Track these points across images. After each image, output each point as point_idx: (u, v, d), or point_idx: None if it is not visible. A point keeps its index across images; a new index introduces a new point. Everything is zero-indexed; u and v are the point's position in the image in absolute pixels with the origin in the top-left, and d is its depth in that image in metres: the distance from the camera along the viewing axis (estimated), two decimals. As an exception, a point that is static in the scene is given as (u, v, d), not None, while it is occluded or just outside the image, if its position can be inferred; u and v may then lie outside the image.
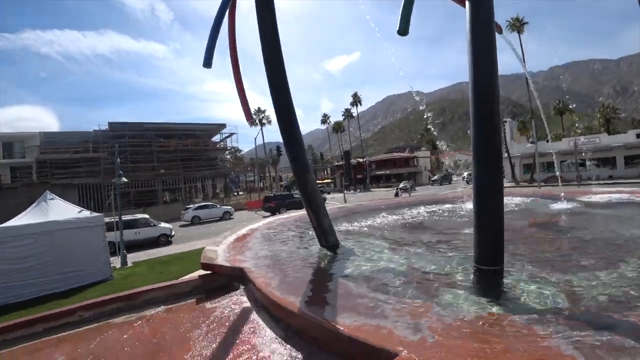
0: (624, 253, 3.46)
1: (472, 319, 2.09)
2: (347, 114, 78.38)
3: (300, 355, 2.04)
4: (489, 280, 2.79)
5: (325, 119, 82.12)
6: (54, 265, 10.69)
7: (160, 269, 12.14)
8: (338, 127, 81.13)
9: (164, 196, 43.41)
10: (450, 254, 3.88)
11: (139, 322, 3.03)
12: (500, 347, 1.71)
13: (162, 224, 21.11)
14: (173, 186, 41.17)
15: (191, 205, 31.73)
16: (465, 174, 58.32)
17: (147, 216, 21.04)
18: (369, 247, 4.48)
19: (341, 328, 1.92)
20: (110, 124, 38.66)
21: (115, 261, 13.98)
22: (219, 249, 4.29)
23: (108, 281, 11.43)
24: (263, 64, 3.86)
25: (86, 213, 12.34)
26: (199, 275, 3.66)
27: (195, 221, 28.57)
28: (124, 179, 15.36)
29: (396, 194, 33.07)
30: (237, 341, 2.36)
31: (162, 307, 3.28)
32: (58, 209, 12.02)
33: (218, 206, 31.94)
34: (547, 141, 39.57)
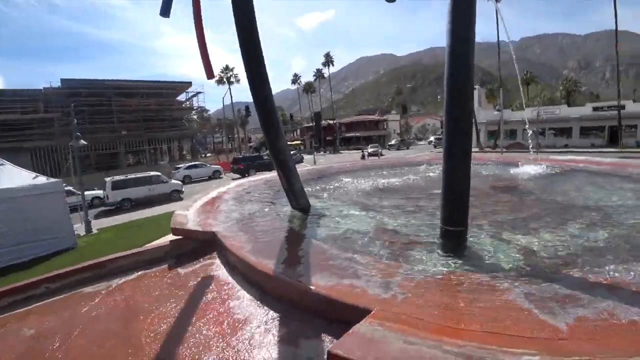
0: (577, 217, 3.73)
1: (439, 277, 2.21)
2: (319, 74, 76.64)
3: (276, 316, 2.09)
4: (454, 241, 2.94)
5: (296, 79, 79.98)
6: (11, 235, 10.13)
7: (128, 234, 11.86)
8: (309, 88, 79.36)
9: (127, 159, 41.61)
10: (417, 216, 4.03)
11: (109, 291, 2.96)
12: (465, 301, 1.84)
13: (173, 181, 22.04)
14: (136, 148, 39.34)
15: (181, 165, 32.39)
16: (432, 138, 59.86)
17: (159, 173, 21.74)
18: (339, 209, 4.57)
19: (316, 288, 1.98)
20: (63, 80, 35.59)
21: (80, 228, 13.47)
22: (189, 212, 4.21)
23: (72, 249, 11.06)
24: (232, 14, 3.61)
25: (42, 179, 11.61)
26: (170, 241, 3.59)
27: (187, 180, 28.69)
28: (83, 142, 14.47)
29: (362, 157, 33.60)
30: (213, 305, 2.38)
31: (133, 274, 3.21)
32: (10, 176, 11.23)
33: (208, 165, 32.55)
34: (512, 110, 41.02)
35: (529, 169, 7.31)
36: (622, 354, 1.31)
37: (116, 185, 18.61)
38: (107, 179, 19.19)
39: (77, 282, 3.16)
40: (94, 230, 13.62)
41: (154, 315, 2.38)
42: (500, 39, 42.79)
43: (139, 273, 3.24)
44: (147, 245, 4.06)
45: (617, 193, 4.75)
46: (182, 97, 45.21)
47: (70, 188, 21.26)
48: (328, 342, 1.76)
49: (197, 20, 3.82)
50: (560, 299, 1.80)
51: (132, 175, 20.55)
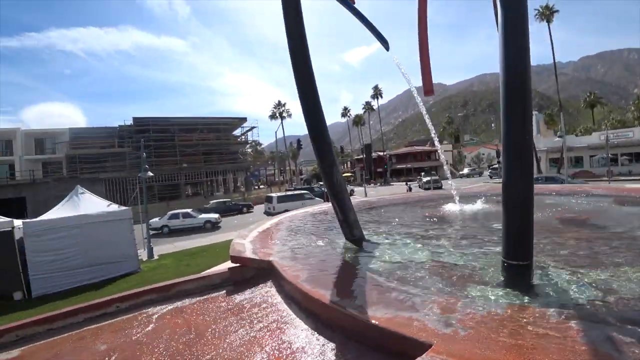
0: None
1: (502, 313, 2.09)
2: (368, 106, 77.80)
3: (333, 346, 2.10)
4: (518, 275, 2.77)
5: (345, 112, 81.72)
6: (85, 257, 11.25)
7: (186, 261, 12.54)
8: (358, 121, 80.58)
9: (187, 190, 44.56)
10: (477, 249, 3.85)
11: (173, 313, 3.15)
12: (533, 341, 1.71)
13: (317, 198, 26.12)
14: (195, 180, 42.18)
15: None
16: (465, 170, 55.97)
17: (307, 192, 27.63)
18: (393, 241, 4.50)
19: (373, 320, 1.97)
20: (134, 119, 39.87)
21: (142, 254, 14.52)
22: (246, 241, 4.41)
23: (136, 273, 11.92)
24: (288, 53, 3.91)
25: (114, 207, 12.86)
26: (228, 268, 3.77)
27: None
28: (150, 173, 15.87)
29: (409, 189, 32.81)
30: (269, 332, 2.44)
31: (195, 298, 3.41)
32: (88, 203, 12.61)
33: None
34: (576, 135, 38.13)
35: (596, 199, 6.70)
36: None
37: (280, 200, 25.74)
38: (273, 195, 26.91)
39: (144, 303, 3.41)
40: (155, 256, 14.57)
41: (213, 339, 2.49)
42: (556, 60, 40.62)
43: (200, 297, 3.42)
44: (207, 271, 4.28)
45: None
46: (237, 132, 48.24)
47: (189, 211, 25.02)
48: (387, 376, 1.73)
49: (422, 36, 3.97)
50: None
51: (290, 193, 28.44)
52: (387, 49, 5.52)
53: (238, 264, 3.71)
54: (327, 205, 5.79)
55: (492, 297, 2.45)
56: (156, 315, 3.14)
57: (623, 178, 28.24)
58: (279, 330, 2.45)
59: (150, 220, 23.40)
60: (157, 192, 38.01)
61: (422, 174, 44.73)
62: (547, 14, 39.69)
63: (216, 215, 25.40)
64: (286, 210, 20.50)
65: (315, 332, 2.32)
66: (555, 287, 2.63)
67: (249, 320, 2.70)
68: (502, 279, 2.78)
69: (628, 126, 47.33)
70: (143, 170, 15.59)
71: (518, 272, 2.78)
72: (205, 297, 3.44)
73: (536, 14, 39.75)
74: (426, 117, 6.92)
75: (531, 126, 3.03)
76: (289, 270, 3.08)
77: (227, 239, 13.44)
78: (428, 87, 4.24)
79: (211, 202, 33.84)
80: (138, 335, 2.80)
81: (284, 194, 28.10)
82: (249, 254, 3.74)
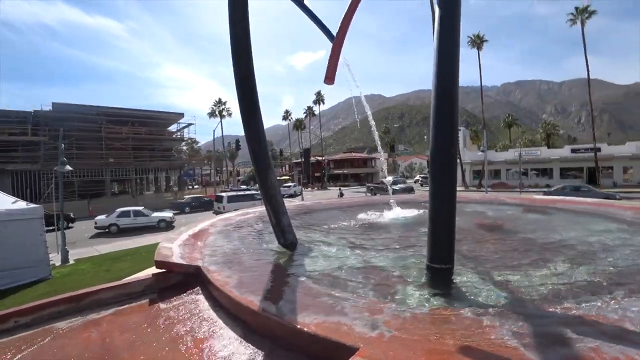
0: (556, 254, 3.81)
1: (426, 315, 2.20)
2: (309, 111, 78.59)
3: (261, 354, 2.03)
4: (441, 278, 2.95)
5: (286, 115, 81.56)
6: (-19, 261, 9.66)
7: (107, 266, 11.40)
8: (299, 125, 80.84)
9: (112, 187, 40.84)
10: (404, 253, 4.05)
11: (86, 326, 2.81)
12: (453, 339, 1.82)
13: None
14: (123, 177, 38.65)
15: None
16: (418, 176, 59.72)
17: (257, 192, 25.41)
18: (326, 245, 4.55)
19: (302, 326, 1.94)
20: (54, 104, 35.35)
21: (55, 258, 12.93)
22: (174, 245, 4.13)
23: (47, 280, 10.54)
24: (230, 53, 3.77)
25: (22, 204, 11.27)
26: (152, 274, 3.48)
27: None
28: (68, 167, 14.22)
29: (340, 195, 33.84)
30: (195, 342, 2.29)
31: (111, 309, 3.08)
32: (-12, 198, 10.89)
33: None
34: (496, 151, 42.59)
35: (511, 207, 7.49)
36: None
37: (231, 199, 25.19)
38: (224, 194, 25.97)
39: (50, 316, 3.00)
40: (71, 261, 13.08)
41: (132, 354, 2.27)
42: (483, 84, 45.13)
43: (118, 308, 3.11)
44: (127, 278, 3.92)
45: (597, 232, 4.89)
46: (173, 128, 45.36)
47: (141, 209, 23.09)
48: (313, 383, 1.71)
49: (343, 27, 3.79)
50: (547, 337, 1.81)
51: (241, 193, 27.94)
52: None
53: (163, 270, 3.45)
54: (263, 209, 5.69)
55: (417, 300, 2.58)
56: (65, 330, 2.78)
57: (532, 190, 32.23)
58: (205, 340, 2.31)
59: (96, 218, 21.90)
60: (78, 188, 34.20)
61: (388, 179, 45.44)
62: (478, 42, 43.99)
63: (170, 214, 23.95)
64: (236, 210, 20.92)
65: (244, 340, 2.22)
66: (474, 289, 2.85)
67: (173, 332, 2.51)
68: (426, 282, 2.94)
69: (537, 146, 54.46)
70: (60, 163, 13.90)
71: (441, 275, 2.97)
72: (124, 307, 3.13)
73: (469, 41, 43.93)
74: (373, 128, 7.21)
75: (456, 139, 3.29)
76: (217, 275, 2.94)
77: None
78: (330, 74, 4.40)
79: (186, 196, 34.53)
80: (40, 354, 2.44)
81: (234, 193, 27.43)
82: (175, 258, 3.50)
